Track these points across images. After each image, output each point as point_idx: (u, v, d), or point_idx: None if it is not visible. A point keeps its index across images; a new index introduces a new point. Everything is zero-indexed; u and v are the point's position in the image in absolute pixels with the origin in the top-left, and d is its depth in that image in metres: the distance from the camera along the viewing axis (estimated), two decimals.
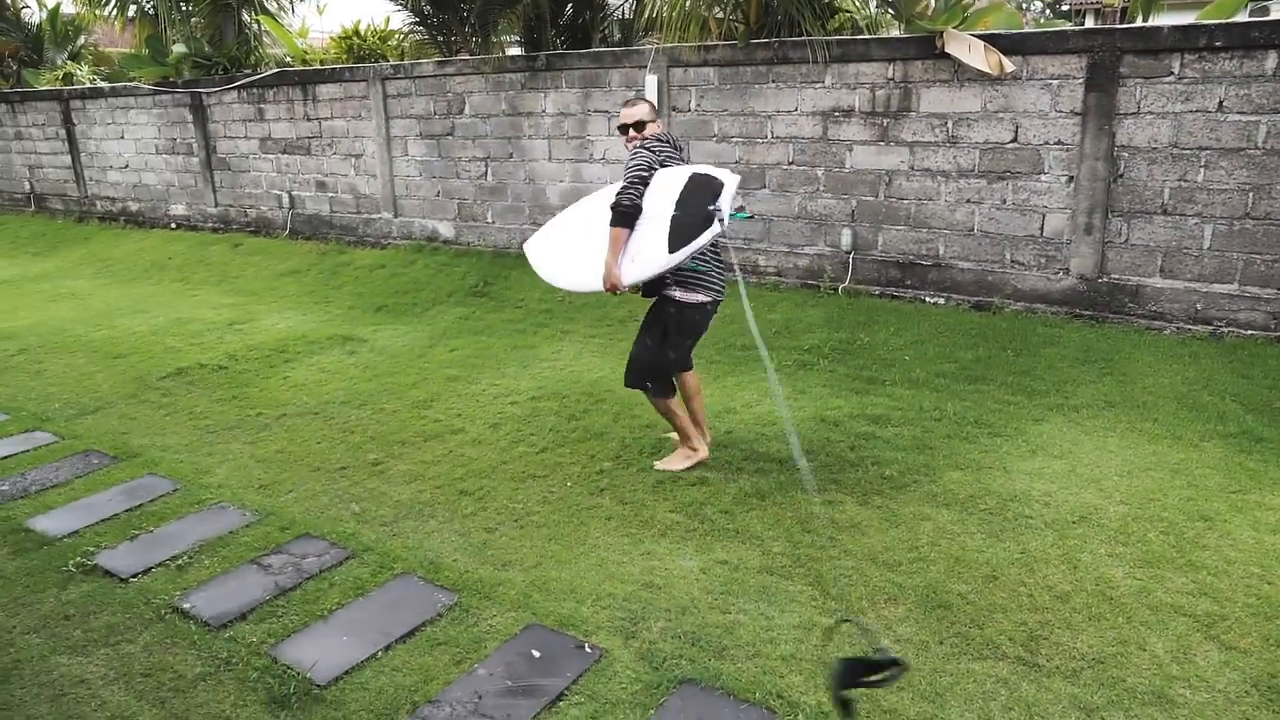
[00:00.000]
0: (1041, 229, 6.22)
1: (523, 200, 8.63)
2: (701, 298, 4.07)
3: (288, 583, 3.39)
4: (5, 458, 4.69)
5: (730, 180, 3.84)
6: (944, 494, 3.92)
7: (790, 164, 7.08)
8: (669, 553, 3.53)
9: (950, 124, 6.37)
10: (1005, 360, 5.49)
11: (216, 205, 11.37)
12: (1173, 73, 5.59)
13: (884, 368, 5.52)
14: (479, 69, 8.60)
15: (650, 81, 7.45)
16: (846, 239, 6.92)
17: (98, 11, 13.21)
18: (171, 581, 3.43)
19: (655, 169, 3.95)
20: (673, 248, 3.75)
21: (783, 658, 2.86)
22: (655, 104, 7.45)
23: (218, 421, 5.18)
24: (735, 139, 7.29)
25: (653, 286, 4.05)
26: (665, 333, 4.11)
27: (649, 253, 3.82)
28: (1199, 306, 5.78)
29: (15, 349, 6.83)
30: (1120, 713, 2.59)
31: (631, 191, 3.86)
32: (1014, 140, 6.17)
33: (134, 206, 12.37)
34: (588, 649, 2.94)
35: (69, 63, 14.68)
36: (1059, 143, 6.02)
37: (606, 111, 7.81)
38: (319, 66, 10.48)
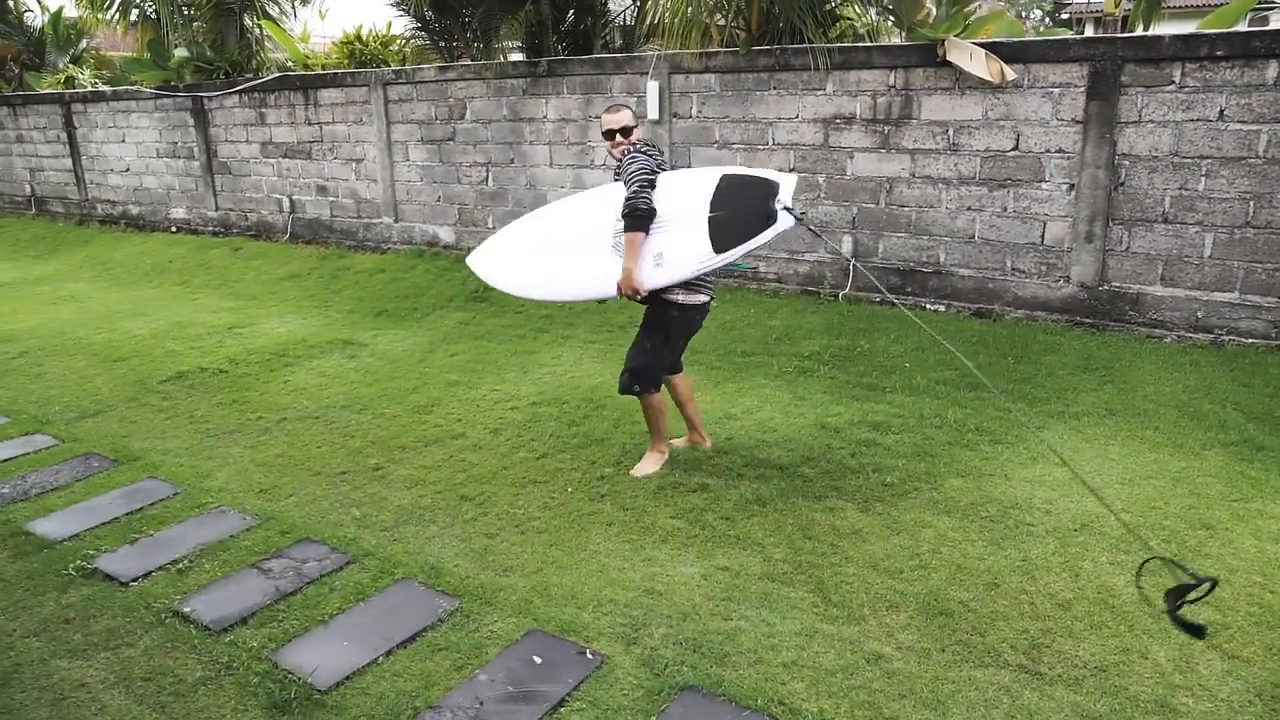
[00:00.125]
0: (1042, 237, 6.23)
1: (524, 206, 8.63)
2: (703, 298, 4.08)
3: (288, 587, 3.38)
4: (5, 460, 4.69)
5: (788, 180, 3.86)
6: (945, 501, 3.91)
7: (791, 171, 7.09)
8: (670, 559, 3.53)
9: (951, 132, 6.38)
10: (1006, 367, 5.49)
11: (217, 209, 11.38)
12: (1174, 81, 5.60)
13: (884, 375, 5.52)
14: (480, 74, 8.62)
15: (652, 88, 7.47)
16: (847, 246, 6.93)
17: (100, 15, 13.23)
18: (172, 585, 3.42)
19: (658, 172, 3.96)
20: (721, 247, 3.76)
21: (784, 664, 2.86)
22: (656, 111, 7.50)
23: (218, 425, 5.18)
24: (737, 145, 7.30)
25: (654, 291, 4.04)
26: (668, 336, 4.12)
27: (682, 253, 3.81)
28: (1200, 315, 5.79)
29: (16, 352, 6.82)
30: None
31: (646, 195, 3.82)
32: (1015, 148, 6.19)
33: (134, 210, 12.38)
34: (589, 655, 2.93)
35: (71, 66, 14.71)
36: (1060, 151, 6.03)
37: None
38: (320, 71, 10.50)
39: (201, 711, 2.72)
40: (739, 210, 3.80)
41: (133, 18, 13.11)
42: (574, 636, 3.03)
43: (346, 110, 9.72)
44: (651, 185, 3.86)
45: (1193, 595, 2.43)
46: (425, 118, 9.13)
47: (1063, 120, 5.99)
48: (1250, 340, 5.64)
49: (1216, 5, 9.90)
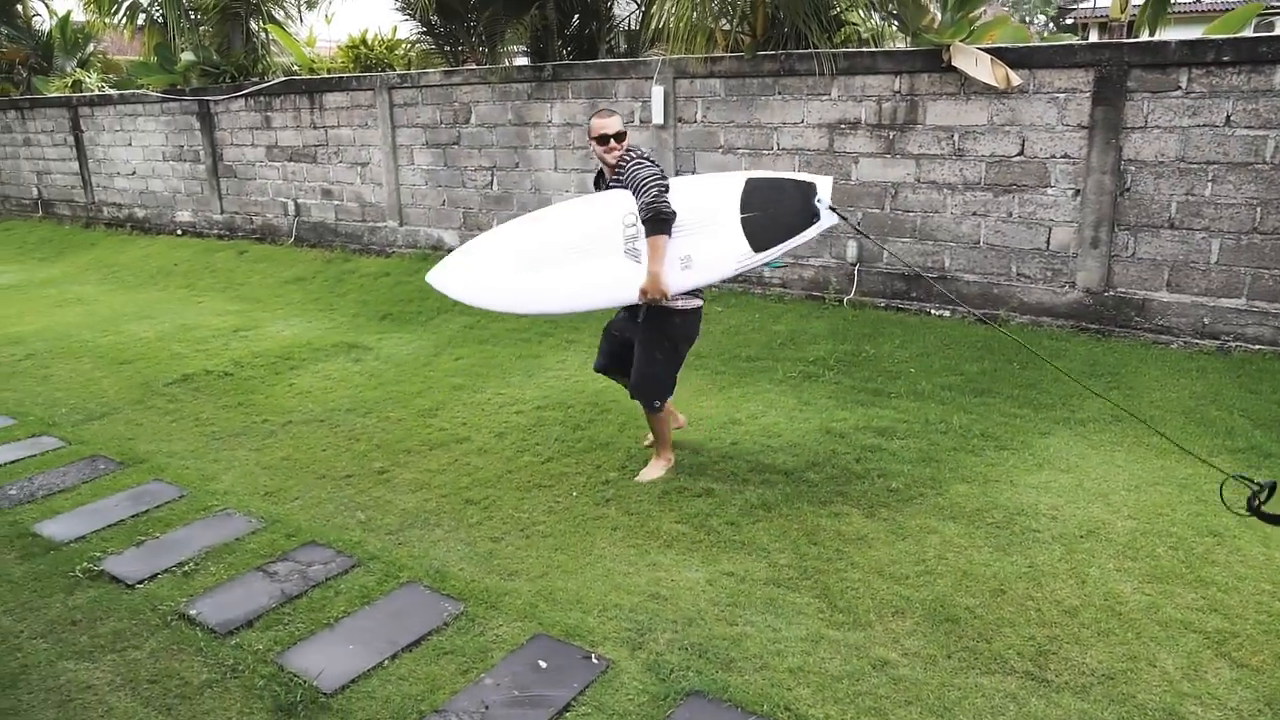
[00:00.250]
0: (1048, 242, 6.22)
1: (528, 210, 8.62)
2: (698, 302, 4.10)
3: (294, 590, 3.39)
4: (13, 462, 4.70)
5: (824, 180, 3.99)
6: (950, 507, 3.91)
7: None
8: (675, 564, 3.52)
9: (956, 137, 6.38)
10: (1011, 373, 5.48)
11: (222, 212, 11.41)
12: (1180, 87, 5.60)
13: (889, 380, 5.51)
14: (485, 79, 8.64)
15: (657, 93, 7.48)
16: (852, 251, 6.93)
17: (107, 20, 13.28)
18: (178, 588, 3.43)
19: (667, 178, 3.95)
20: (761, 246, 3.90)
21: (790, 670, 2.85)
22: (661, 116, 7.50)
23: (223, 428, 5.18)
24: (741, 150, 7.31)
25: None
26: (675, 344, 4.13)
27: (715, 255, 3.90)
28: (1206, 321, 5.78)
29: (22, 354, 6.84)
30: None
31: (666, 198, 3.82)
32: (1020, 153, 6.19)
33: (140, 213, 12.42)
34: (594, 660, 2.93)
35: (78, 70, 14.76)
36: (1065, 156, 6.03)
37: None
38: (326, 75, 10.53)
39: (207, 714, 2.73)
40: (777, 210, 3.94)
41: (140, 22, 13.16)
42: (579, 641, 3.03)
43: (352, 114, 9.75)
44: (667, 189, 3.86)
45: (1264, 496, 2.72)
46: (430, 121, 9.15)
47: (1068, 125, 5.98)
48: (1257, 346, 5.62)
49: (1223, 10, 9.90)
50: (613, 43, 9.85)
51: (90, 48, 15.71)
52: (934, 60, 6.33)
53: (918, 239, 6.68)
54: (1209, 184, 5.63)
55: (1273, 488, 2.70)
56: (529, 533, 3.82)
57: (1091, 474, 4.19)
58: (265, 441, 4.96)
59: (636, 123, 7.77)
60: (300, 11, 13.00)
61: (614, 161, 4.02)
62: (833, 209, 3.93)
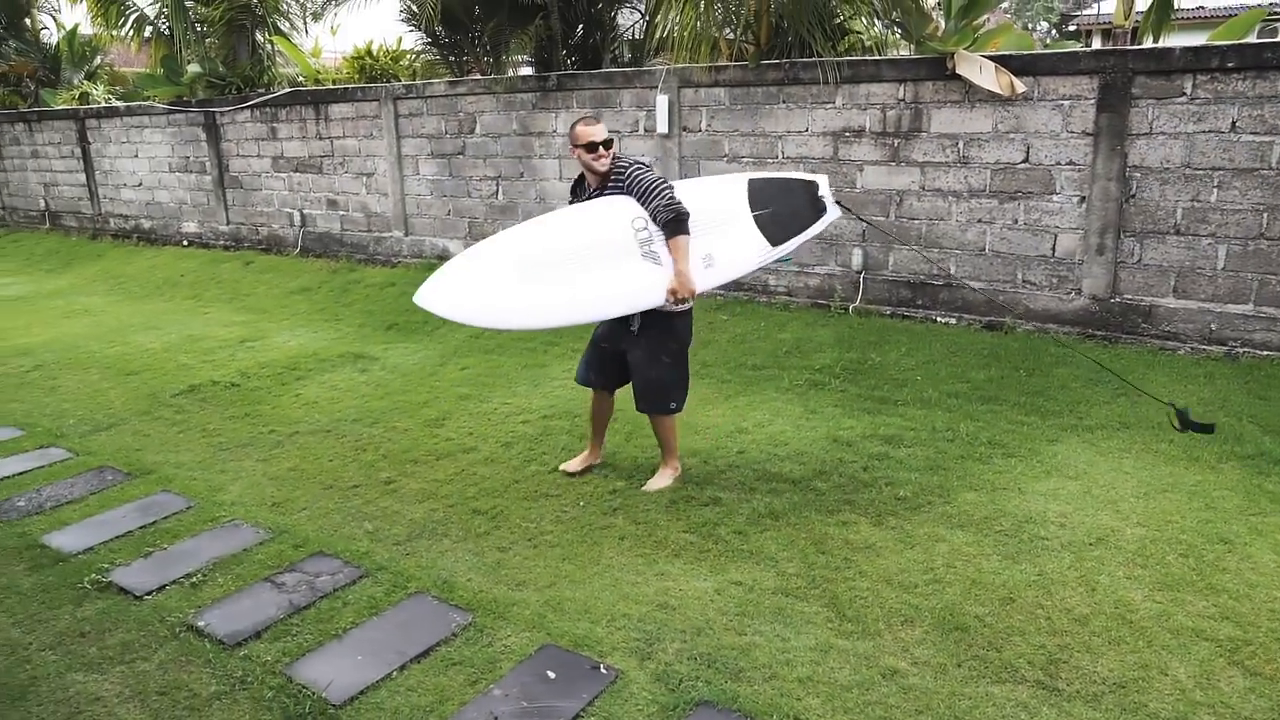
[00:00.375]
0: (1053, 249, 6.21)
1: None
2: (690, 303, 4.06)
3: (302, 601, 3.38)
4: (21, 474, 4.71)
5: (821, 178, 4.18)
6: (959, 515, 3.89)
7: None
8: (683, 573, 3.52)
9: (961, 144, 6.39)
10: (1018, 380, 5.47)
11: (228, 223, 11.45)
12: (1185, 93, 5.60)
13: (896, 388, 5.50)
14: (490, 89, 8.67)
15: (661, 102, 7.50)
16: (857, 259, 6.93)
17: (114, 32, 13.39)
18: (186, 599, 3.43)
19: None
20: (777, 240, 4.02)
21: (799, 680, 2.84)
22: (665, 124, 7.53)
23: (230, 439, 5.19)
24: (746, 159, 7.32)
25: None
26: (680, 345, 4.15)
27: (735, 252, 3.99)
28: (1214, 327, 5.76)
29: (30, 365, 6.87)
30: None
31: (679, 200, 3.85)
32: (1025, 160, 6.19)
33: (147, 224, 12.47)
34: (603, 670, 2.92)
35: (85, 82, 14.87)
36: (1070, 163, 6.03)
37: (618, 131, 7.85)
38: (331, 86, 10.58)
39: None
40: (784, 207, 4.08)
41: (146, 34, 13.26)
42: (588, 651, 3.02)
43: (357, 125, 9.79)
44: (675, 190, 3.91)
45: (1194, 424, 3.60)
46: (435, 132, 9.18)
47: (1073, 132, 5.98)
48: (1265, 352, 5.60)
49: (1226, 17, 9.90)
50: (617, 52, 9.90)
51: (97, 60, 15.83)
52: (938, 68, 6.34)
53: (923, 246, 6.68)
54: (1215, 190, 5.62)
55: (1184, 413, 3.61)
56: (536, 542, 3.81)
57: (1100, 481, 4.18)
58: (272, 452, 4.97)
59: (641, 132, 7.80)
60: (306, 23, 13.09)
61: (604, 169, 3.99)
62: (838, 203, 4.13)
